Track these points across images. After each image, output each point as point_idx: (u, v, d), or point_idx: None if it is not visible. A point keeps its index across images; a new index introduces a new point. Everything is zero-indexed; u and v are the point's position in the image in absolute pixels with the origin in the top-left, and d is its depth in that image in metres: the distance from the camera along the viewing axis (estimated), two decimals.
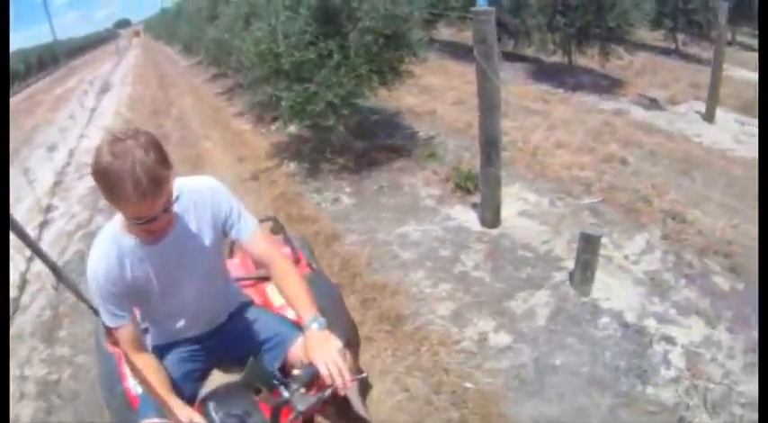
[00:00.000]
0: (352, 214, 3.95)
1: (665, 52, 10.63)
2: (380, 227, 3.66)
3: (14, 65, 26.46)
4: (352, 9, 4.33)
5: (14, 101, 19.43)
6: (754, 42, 13.33)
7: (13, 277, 3.92)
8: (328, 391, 1.17)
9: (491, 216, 3.40)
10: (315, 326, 1.29)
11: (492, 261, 3.12)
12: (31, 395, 2.77)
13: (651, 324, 2.71)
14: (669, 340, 2.61)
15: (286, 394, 1.16)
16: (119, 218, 1.32)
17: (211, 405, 1.25)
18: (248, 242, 1.42)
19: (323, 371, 1.18)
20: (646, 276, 3.04)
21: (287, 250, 1.82)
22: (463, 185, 3.89)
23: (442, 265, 3.15)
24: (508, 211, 3.62)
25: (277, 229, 1.96)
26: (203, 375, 1.52)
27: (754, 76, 9.50)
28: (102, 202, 5.65)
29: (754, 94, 7.96)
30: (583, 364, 2.48)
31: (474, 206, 3.71)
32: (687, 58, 10.80)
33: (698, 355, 2.52)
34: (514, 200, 3.85)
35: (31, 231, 5.08)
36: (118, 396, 1.53)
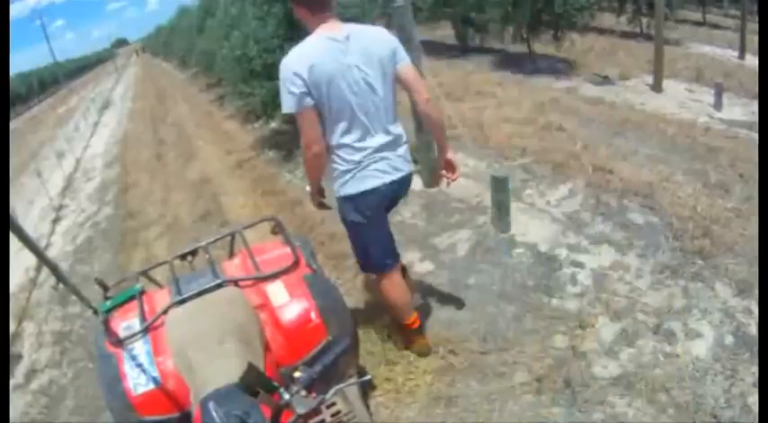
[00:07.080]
0: None
1: (631, 35, 11.15)
2: None
3: (16, 88, 27.37)
4: None
5: (19, 121, 20.26)
6: (721, 20, 13.94)
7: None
8: (329, 394, 1.19)
9: (428, 177, 4.02)
10: None
11: (427, 212, 3.75)
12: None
13: (563, 252, 2.97)
14: (578, 264, 2.87)
15: (286, 396, 1.16)
16: None
17: (211, 405, 1.25)
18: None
19: None
20: (563, 216, 3.30)
21: (287, 250, 1.79)
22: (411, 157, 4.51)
23: None
24: None
25: (278, 229, 1.96)
26: None
27: (714, 50, 10.08)
28: (110, 195, 6.37)
29: (708, 63, 8.52)
30: (494, 283, 2.88)
31: (419, 173, 4.32)
32: (652, 39, 11.27)
33: (605, 275, 2.75)
34: None
35: (47, 225, 5.80)
36: (118, 396, 1.54)
